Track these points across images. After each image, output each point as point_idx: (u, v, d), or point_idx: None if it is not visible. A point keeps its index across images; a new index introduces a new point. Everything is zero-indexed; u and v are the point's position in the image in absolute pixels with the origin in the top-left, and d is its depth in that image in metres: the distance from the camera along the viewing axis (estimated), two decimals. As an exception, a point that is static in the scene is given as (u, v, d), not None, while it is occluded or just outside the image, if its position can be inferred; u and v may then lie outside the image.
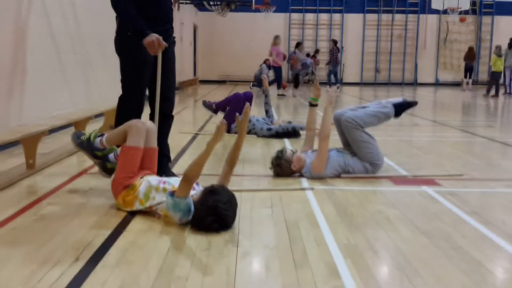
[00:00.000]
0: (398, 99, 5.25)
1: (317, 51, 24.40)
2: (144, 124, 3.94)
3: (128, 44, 4.31)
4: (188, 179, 3.32)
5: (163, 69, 4.35)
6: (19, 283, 2.54)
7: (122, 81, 4.47)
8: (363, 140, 4.97)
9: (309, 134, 5.43)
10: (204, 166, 3.37)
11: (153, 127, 4.07)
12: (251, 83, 19.33)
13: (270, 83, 19.10)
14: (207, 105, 8.47)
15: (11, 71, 6.22)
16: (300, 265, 2.79)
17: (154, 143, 4.01)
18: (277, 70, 17.47)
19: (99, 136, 4.10)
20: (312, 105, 5.39)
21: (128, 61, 4.39)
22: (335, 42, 21.24)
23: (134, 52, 4.29)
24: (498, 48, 19.09)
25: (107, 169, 4.13)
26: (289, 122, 7.78)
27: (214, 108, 8.35)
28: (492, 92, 18.47)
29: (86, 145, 4.09)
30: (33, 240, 3.16)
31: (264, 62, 19.29)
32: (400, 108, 5.17)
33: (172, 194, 3.37)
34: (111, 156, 4.14)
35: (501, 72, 18.88)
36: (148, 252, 2.98)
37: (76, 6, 8.29)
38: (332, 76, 20.94)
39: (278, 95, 16.73)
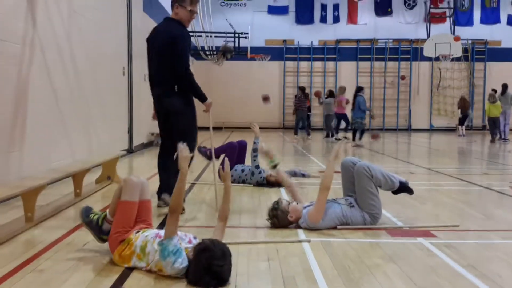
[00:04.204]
0: (401, 178, 5.33)
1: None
2: (139, 178, 4.01)
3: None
4: (172, 210, 3.38)
5: None
6: None
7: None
8: (371, 191, 5.03)
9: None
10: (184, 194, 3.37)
11: (146, 181, 4.11)
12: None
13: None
14: (202, 152, 8.52)
15: (12, 124, 6.31)
16: (298, 322, 2.80)
17: (148, 196, 4.07)
18: (342, 116, 18.75)
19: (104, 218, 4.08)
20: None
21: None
22: (302, 89, 20.50)
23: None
24: (492, 95, 19.15)
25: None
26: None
27: (209, 154, 8.37)
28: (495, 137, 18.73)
29: (94, 226, 4.07)
30: (32, 297, 3.17)
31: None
32: (401, 187, 5.27)
33: (160, 240, 3.47)
34: None
35: (496, 117, 18.94)
36: (147, 309, 2.99)
37: (76, 58, 8.44)
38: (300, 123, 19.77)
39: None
